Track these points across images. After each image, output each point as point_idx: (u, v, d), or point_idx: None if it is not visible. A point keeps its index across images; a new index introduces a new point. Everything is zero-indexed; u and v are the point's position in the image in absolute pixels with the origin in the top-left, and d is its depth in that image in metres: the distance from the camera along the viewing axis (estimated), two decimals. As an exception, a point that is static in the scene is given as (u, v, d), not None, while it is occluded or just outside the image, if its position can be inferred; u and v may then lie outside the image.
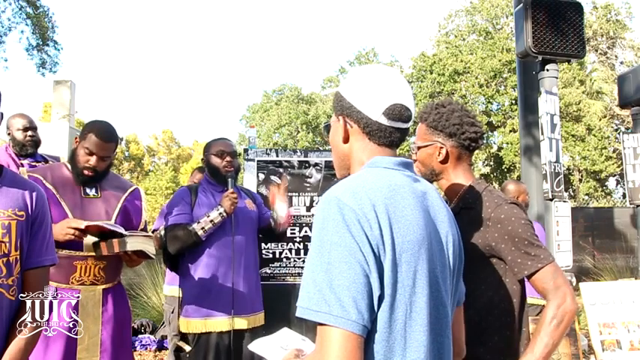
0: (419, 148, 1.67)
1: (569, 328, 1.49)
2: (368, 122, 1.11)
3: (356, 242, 0.94)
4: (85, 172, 2.21)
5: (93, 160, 2.21)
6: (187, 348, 2.55)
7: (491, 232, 1.54)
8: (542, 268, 1.49)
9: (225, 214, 2.52)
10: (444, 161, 1.63)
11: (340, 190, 1.00)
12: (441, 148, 1.62)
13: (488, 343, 1.53)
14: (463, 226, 1.56)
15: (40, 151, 3.59)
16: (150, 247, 2.16)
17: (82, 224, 2.05)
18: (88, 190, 2.26)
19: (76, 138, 2.31)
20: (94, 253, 2.15)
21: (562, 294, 1.47)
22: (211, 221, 2.49)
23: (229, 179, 2.63)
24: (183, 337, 2.58)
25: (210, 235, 2.52)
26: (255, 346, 1.46)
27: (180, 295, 2.67)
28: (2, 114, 1.60)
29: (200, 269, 2.56)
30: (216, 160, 2.69)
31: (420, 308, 0.99)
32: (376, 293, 0.94)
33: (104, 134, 2.23)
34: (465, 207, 1.61)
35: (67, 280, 2.14)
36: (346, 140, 1.15)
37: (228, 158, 2.69)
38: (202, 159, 2.83)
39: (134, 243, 2.11)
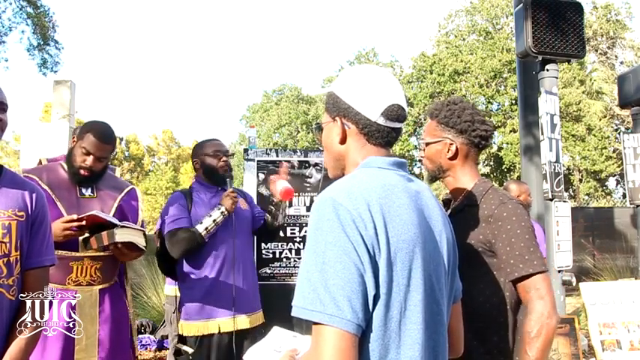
0: (427, 144, 1.68)
1: (551, 343, 1.44)
2: (367, 123, 1.12)
3: (351, 242, 0.94)
4: (82, 171, 2.21)
5: (90, 160, 2.20)
6: (188, 350, 2.54)
7: (491, 228, 1.54)
8: (532, 276, 1.47)
9: (226, 213, 2.52)
10: (453, 158, 1.64)
11: (335, 191, 1.01)
12: (451, 144, 1.63)
13: (487, 343, 1.53)
14: (466, 223, 1.55)
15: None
16: (140, 239, 2.14)
17: (76, 217, 2.05)
18: (84, 191, 2.25)
19: (73, 137, 2.30)
20: (89, 253, 2.15)
21: (541, 307, 1.44)
22: (214, 221, 2.49)
23: (228, 180, 2.63)
24: (182, 339, 2.57)
25: (210, 236, 2.52)
26: (250, 355, 1.45)
27: (178, 296, 2.66)
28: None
29: (198, 271, 2.55)
30: (212, 161, 2.67)
31: (414, 307, 0.99)
32: (371, 293, 0.94)
33: (102, 135, 2.22)
34: (470, 204, 1.61)
35: (64, 280, 2.14)
36: (343, 141, 1.15)
37: (224, 158, 2.68)
38: (194, 161, 2.77)
39: (123, 235, 2.09)
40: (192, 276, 2.56)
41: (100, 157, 2.23)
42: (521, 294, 1.50)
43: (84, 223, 2.06)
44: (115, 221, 2.10)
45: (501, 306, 1.54)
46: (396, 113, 1.12)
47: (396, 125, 1.14)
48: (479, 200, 1.60)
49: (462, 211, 1.60)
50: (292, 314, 0.94)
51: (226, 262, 2.56)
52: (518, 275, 1.48)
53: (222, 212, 2.50)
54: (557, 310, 1.48)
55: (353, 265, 0.93)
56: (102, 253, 2.17)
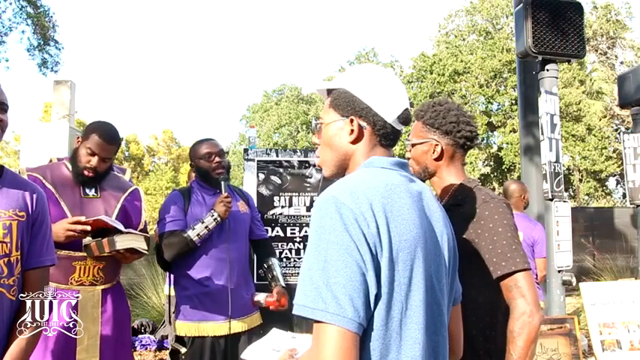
0: (413, 145, 1.69)
1: (534, 342, 1.44)
2: (383, 125, 1.13)
3: (353, 241, 0.94)
4: (85, 172, 2.21)
5: (94, 160, 2.21)
6: (182, 350, 2.54)
7: (474, 227, 1.55)
8: (515, 273, 1.47)
9: (219, 219, 2.49)
10: (438, 159, 1.65)
11: (337, 190, 1.01)
12: (436, 145, 1.64)
13: (475, 343, 1.52)
14: (452, 223, 1.57)
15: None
16: (141, 244, 2.15)
17: (82, 220, 2.05)
18: (87, 190, 2.26)
19: (77, 137, 2.30)
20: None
21: (523, 306, 1.44)
22: (206, 227, 2.46)
23: (222, 182, 2.59)
24: (179, 339, 2.57)
25: (204, 240, 2.50)
26: (248, 354, 1.46)
27: (174, 296, 2.66)
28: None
29: (194, 273, 2.54)
30: (204, 164, 2.62)
31: (415, 306, 1.00)
32: (373, 292, 0.94)
33: (107, 135, 2.23)
34: (455, 204, 1.62)
35: (67, 280, 2.14)
36: (357, 141, 1.14)
37: (216, 159, 2.62)
38: (190, 164, 2.75)
39: (124, 241, 2.10)
40: (186, 277, 2.56)
41: (105, 158, 2.23)
42: (504, 292, 1.50)
43: (89, 228, 2.07)
44: (120, 227, 2.10)
45: (487, 306, 1.54)
46: (407, 116, 1.15)
47: (403, 128, 1.16)
48: (463, 200, 1.61)
49: (449, 210, 1.61)
50: (294, 312, 0.94)
51: (220, 266, 2.54)
52: (500, 273, 1.49)
53: (214, 218, 2.48)
54: (539, 308, 1.48)
55: (355, 263, 0.93)
56: (104, 254, 2.18)
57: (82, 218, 2.08)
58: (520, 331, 1.43)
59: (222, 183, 2.58)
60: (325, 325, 0.91)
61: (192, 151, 2.71)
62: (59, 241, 1.99)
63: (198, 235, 2.46)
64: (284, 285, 2.67)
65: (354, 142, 1.14)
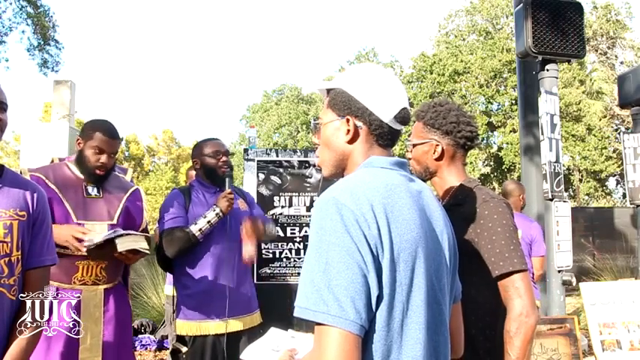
0: (414, 145, 1.70)
1: (530, 342, 1.46)
2: (380, 124, 1.13)
3: (354, 242, 0.94)
4: (97, 171, 2.23)
5: (104, 157, 2.23)
6: (184, 349, 2.54)
7: (474, 227, 1.56)
8: (513, 274, 1.48)
9: (221, 214, 2.50)
10: (439, 159, 1.66)
11: (338, 191, 1.01)
12: (437, 145, 1.65)
13: (474, 342, 1.53)
14: (453, 223, 1.57)
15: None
16: (142, 244, 2.16)
17: (83, 249, 2.07)
18: (90, 190, 2.26)
19: (78, 139, 2.30)
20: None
21: (519, 307, 1.46)
22: (208, 222, 2.47)
23: (227, 178, 2.61)
24: (180, 338, 2.58)
25: (204, 237, 2.51)
26: (247, 354, 1.46)
27: (175, 295, 2.67)
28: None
29: (194, 271, 2.55)
30: (211, 161, 2.64)
31: (416, 306, 0.99)
32: (374, 293, 0.94)
33: (109, 131, 2.26)
34: (455, 204, 1.62)
35: (69, 280, 2.14)
36: (353, 141, 1.14)
37: (223, 158, 2.65)
38: (194, 161, 2.76)
39: (125, 243, 2.12)
40: (187, 276, 2.56)
41: (111, 153, 2.26)
42: (501, 292, 1.51)
43: (84, 250, 2.08)
44: (120, 232, 2.11)
45: (487, 305, 1.55)
46: (405, 116, 1.14)
47: (401, 127, 1.16)
48: (463, 200, 1.62)
49: (449, 210, 1.61)
50: (295, 314, 0.94)
51: (219, 263, 2.55)
52: (498, 273, 1.50)
53: (216, 213, 2.49)
54: (535, 309, 1.49)
55: (356, 265, 0.93)
56: (106, 255, 2.18)
57: (85, 242, 2.08)
58: (517, 332, 1.44)
59: (227, 179, 2.60)
60: (327, 327, 0.91)
61: (198, 148, 2.71)
62: (55, 241, 1.99)
63: (200, 229, 2.46)
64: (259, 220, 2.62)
65: (351, 141, 1.14)
